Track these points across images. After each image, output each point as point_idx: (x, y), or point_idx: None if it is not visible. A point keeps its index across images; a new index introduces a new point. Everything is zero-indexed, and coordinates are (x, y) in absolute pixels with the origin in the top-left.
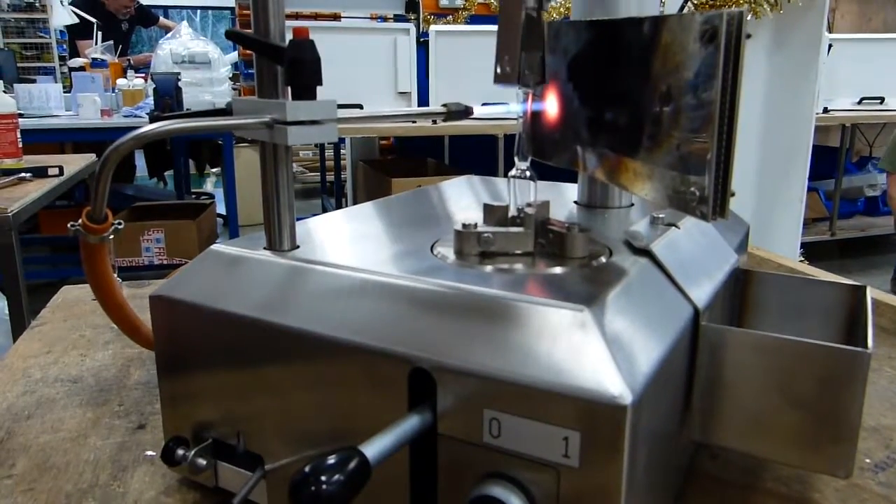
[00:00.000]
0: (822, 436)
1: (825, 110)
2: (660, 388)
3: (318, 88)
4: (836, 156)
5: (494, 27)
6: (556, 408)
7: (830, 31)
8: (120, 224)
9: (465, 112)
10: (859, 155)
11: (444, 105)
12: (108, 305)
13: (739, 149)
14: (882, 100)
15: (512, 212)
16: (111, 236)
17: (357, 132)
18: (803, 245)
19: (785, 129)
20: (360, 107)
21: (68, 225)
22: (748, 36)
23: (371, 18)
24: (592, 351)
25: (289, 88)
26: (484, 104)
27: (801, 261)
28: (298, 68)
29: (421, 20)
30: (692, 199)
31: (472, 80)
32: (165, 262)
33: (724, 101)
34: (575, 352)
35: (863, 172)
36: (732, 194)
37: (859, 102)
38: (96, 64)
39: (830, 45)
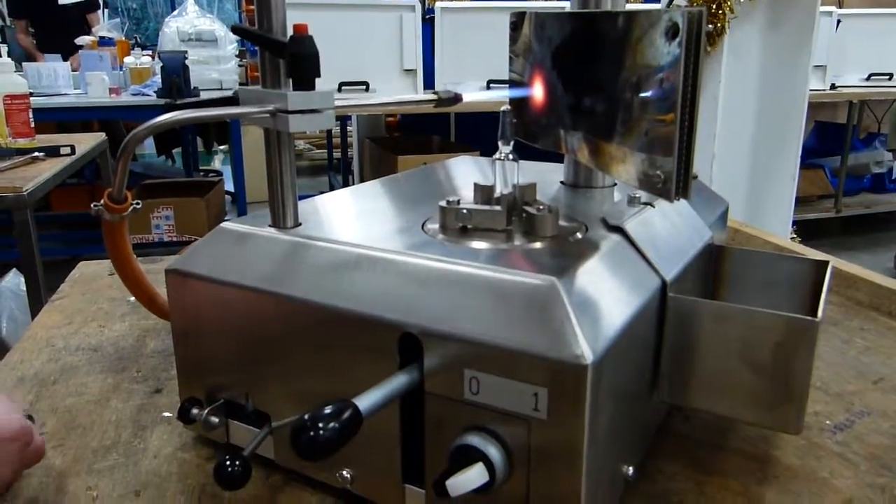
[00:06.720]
0: (775, 396)
1: (832, 87)
2: (623, 351)
3: (324, 65)
4: (843, 132)
5: (500, 3)
6: (527, 367)
7: (840, 6)
8: (138, 204)
9: (455, 99)
10: (867, 131)
11: (435, 92)
12: (127, 278)
13: (733, 128)
14: (891, 76)
15: (498, 192)
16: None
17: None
18: (808, 222)
19: (779, 108)
20: (366, 84)
21: (91, 205)
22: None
23: None
24: (559, 317)
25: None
26: (489, 81)
27: (792, 238)
28: (298, 62)
29: None
30: (657, 181)
31: (478, 56)
32: (175, 238)
33: (685, 92)
34: (544, 318)
35: (870, 149)
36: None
37: (867, 78)
38: (104, 42)
39: (839, 21)
